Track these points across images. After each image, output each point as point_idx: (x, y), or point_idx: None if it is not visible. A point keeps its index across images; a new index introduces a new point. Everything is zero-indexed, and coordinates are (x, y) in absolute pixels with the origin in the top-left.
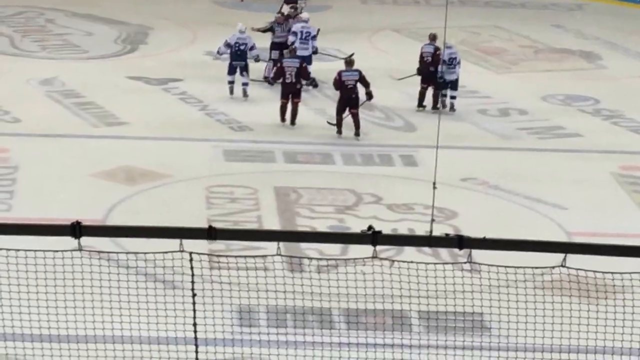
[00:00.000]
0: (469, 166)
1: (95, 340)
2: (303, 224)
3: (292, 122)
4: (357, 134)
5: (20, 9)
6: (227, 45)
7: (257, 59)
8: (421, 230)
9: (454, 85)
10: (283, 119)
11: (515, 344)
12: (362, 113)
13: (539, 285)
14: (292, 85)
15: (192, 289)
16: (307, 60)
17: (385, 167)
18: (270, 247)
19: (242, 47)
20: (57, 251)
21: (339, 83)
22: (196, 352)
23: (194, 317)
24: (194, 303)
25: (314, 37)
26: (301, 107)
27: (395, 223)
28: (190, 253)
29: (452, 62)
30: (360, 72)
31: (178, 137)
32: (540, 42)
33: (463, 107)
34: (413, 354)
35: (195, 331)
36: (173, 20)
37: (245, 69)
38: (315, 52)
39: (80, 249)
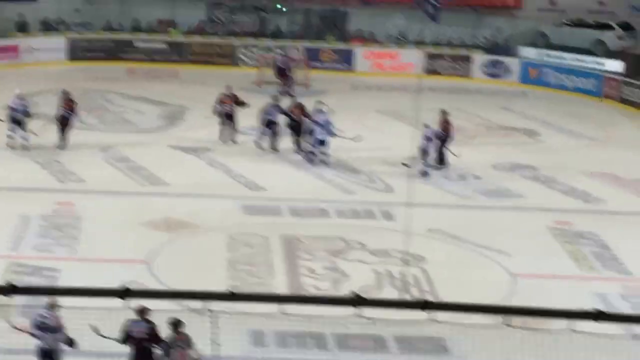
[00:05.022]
0: (435, 220)
1: None
2: (303, 265)
3: None
4: None
5: (86, 91)
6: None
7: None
8: (396, 270)
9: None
10: None
11: None
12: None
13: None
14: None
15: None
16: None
17: (369, 220)
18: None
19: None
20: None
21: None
22: None
23: None
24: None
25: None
26: (301, 171)
27: (375, 265)
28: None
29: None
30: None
31: (207, 194)
32: (492, 122)
33: (430, 173)
34: None
35: None
36: (203, 102)
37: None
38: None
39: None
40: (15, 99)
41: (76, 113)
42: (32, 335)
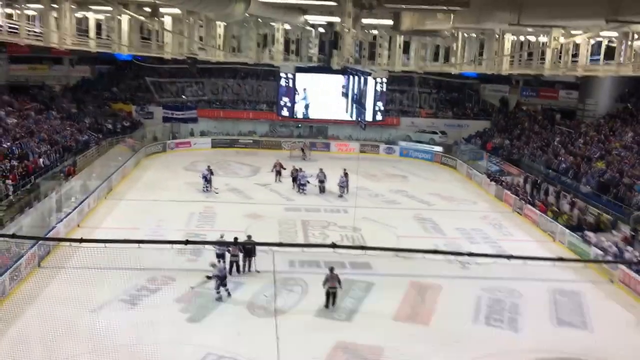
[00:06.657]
0: (365, 213)
1: None
2: (310, 232)
3: None
4: None
5: (219, 161)
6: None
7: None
8: (349, 234)
9: None
10: None
11: None
12: None
13: None
14: None
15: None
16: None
17: (337, 213)
18: None
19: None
20: None
21: None
22: None
23: None
24: None
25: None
26: (308, 196)
27: (340, 231)
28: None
29: None
30: None
31: (269, 203)
32: (388, 172)
33: (344, 196)
34: None
35: None
36: (268, 165)
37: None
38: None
39: None
40: (205, 170)
41: (213, 173)
42: None
